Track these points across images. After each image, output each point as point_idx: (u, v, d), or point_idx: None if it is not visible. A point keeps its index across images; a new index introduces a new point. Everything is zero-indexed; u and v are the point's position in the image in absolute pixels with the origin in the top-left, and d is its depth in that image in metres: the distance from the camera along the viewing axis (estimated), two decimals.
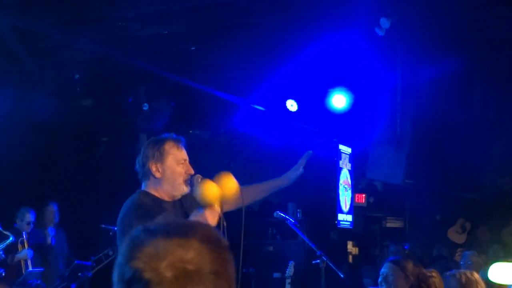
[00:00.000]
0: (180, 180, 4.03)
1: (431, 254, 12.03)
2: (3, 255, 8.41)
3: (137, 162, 4.12)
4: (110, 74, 9.27)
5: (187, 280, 1.31)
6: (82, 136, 10.40)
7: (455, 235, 13.43)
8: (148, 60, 8.64)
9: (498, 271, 5.89)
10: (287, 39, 8.19)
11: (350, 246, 13.39)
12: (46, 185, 9.72)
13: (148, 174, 4.04)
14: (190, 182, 4.05)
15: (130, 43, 8.38)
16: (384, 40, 7.54)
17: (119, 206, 4.07)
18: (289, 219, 6.62)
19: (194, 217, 3.92)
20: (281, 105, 9.69)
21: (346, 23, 7.52)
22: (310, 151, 4.71)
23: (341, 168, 11.83)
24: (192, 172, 4.07)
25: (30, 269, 8.73)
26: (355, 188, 12.65)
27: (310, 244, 6.51)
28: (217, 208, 3.88)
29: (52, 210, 9.40)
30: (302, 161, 4.89)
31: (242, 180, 4.19)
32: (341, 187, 11.78)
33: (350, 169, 12.17)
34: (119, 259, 1.37)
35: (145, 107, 8.96)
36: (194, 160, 4.14)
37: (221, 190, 3.86)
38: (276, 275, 10.44)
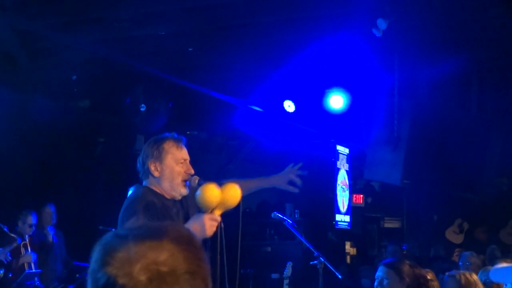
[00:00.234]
0: (179, 179, 4.02)
1: (429, 254, 12.04)
2: (9, 257, 8.43)
3: (137, 161, 4.13)
4: (107, 75, 9.26)
5: (161, 282, 1.30)
6: (80, 137, 10.39)
7: (453, 235, 13.45)
8: (145, 61, 8.63)
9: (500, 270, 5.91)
10: (284, 40, 8.19)
11: (348, 246, 13.41)
12: (44, 186, 9.71)
13: (147, 173, 4.05)
14: (187, 183, 4.05)
15: (127, 44, 8.38)
16: (381, 41, 7.54)
17: (116, 207, 4.07)
18: (287, 220, 6.61)
19: (192, 221, 3.92)
20: (279, 106, 9.69)
21: (343, 24, 7.52)
22: (301, 163, 4.66)
23: (338, 169, 11.84)
24: (192, 171, 4.07)
25: (27, 270, 8.72)
26: (353, 189, 12.67)
27: (308, 245, 6.50)
28: (217, 216, 3.87)
29: (49, 212, 9.39)
30: (290, 170, 4.82)
31: None
32: (338, 188, 11.79)
33: (347, 169, 12.18)
34: (92, 266, 1.36)
35: (143, 108, 8.95)
36: (191, 161, 4.14)
37: (225, 198, 3.86)
38: (274, 275, 10.45)
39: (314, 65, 8.51)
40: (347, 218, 12.11)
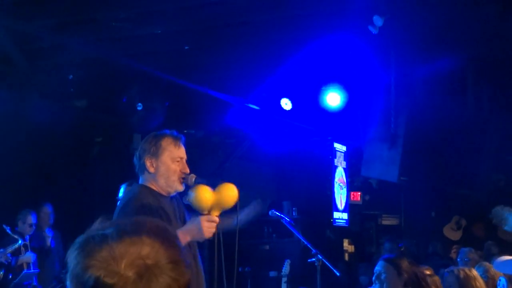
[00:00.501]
0: (174, 177, 4.02)
1: (427, 251, 12.06)
2: (10, 258, 8.43)
3: (135, 155, 4.13)
4: (103, 75, 9.25)
5: (150, 274, 1.31)
6: (76, 137, 10.38)
7: (451, 232, 13.47)
8: (141, 60, 8.63)
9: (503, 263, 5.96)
10: (281, 38, 8.19)
11: (346, 244, 13.41)
12: (41, 187, 9.69)
13: (143, 168, 4.04)
14: (184, 180, 4.04)
15: (123, 43, 8.37)
16: (377, 38, 7.55)
17: (114, 207, 4.07)
18: (285, 218, 6.61)
19: (189, 223, 3.92)
20: (276, 104, 9.69)
21: (339, 22, 7.52)
22: (259, 200, 4.58)
23: (336, 166, 11.84)
24: (188, 171, 4.06)
25: (25, 270, 8.72)
26: (351, 186, 12.67)
27: (305, 243, 6.50)
28: (215, 217, 3.87)
29: (47, 212, 9.39)
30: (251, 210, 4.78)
31: (237, 179, 4.18)
32: (336, 185, 11.79)
33: (345, 167, 12.19)
34: (75, 270, 1.35)
35: (139, 107, 8.94)
36: (188, 160, 4.13)
37: (221, 199, 3.86)
38: (272, 274, 10.44)
39: (310, 63, 8.51)
40: (345, 215, 12.11)
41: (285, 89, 9.56)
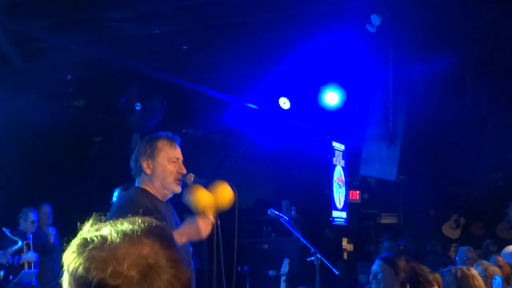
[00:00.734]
0: (171, 178, 4.02)
1: (426, 249, 12.06)
2: (11, 259, 8.44)
3: (131, 158, 4.13)
4: (102, 75, 9.25)
5: (154, 273, 1.32)
6: (75, 137, 10.39)
7: (450, 231, 13.48)
8: (140, 59, 8.63)
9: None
10: (279, 37, 8.19)
11: (345, 242, 13.41)
12: (39, 186, 9.70)
13: (139, 170, 4.04)
14: (182, 182, 4.04)
15: (121, 43, 8.37)
16: (375, 37, 7.55)
17: (110, 208, 4.07)
18: (283, 217, 6.61)
19: (185, 224, 3.91)
20: (274, 103, 9.68)
21: (337, 21, 7.52)
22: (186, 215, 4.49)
23: (334, 165, 11.85)
24: (184, 171, 4.06)
25: (24, 270, 8.72)
26: (349, 185, 12.67)
27: (304, 242, 6.50)
28: (211, 218, 3.87)
29: (46, 211, 9.40)
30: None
31: (236, 178, 4.18)
32: (335, 184, 11.79)
33: (343, 166, 12.19)
34: (76, 273, 1.35)
35: (138, 106, 8.94)
36: (187, 159, 4.13)
37: (216, 199, 3.86)
38: (271, 272, 10.45)
39: (309, 62, 8.51)
40: (343, 214, 12.11)
41: (284, 88, 9.56)
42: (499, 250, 8.32)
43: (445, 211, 13.51)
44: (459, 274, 5.28)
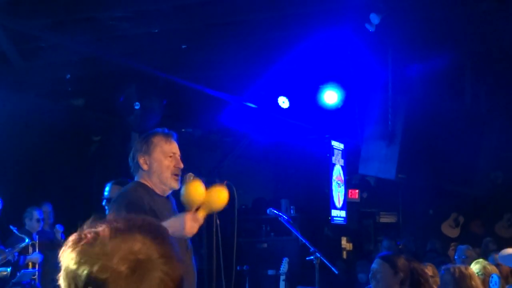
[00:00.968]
0: (168, 173, 4.03)
1: (425, 248, 12.07)
2: (16, 257, 8.45)
3: (129, 156, 4.16)
4: (101, 74, 9.25)
5: (143, 268, 1.33)
6: (74, 136, 10.38)
7: (449, 229, 13.49)
8: (139, 59, 8.62)
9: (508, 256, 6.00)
10: (278, 36, 8.19)
11: (344, 241, 13.42)
12: (39, 186, 9.69)
13: (137, 167, 4.07)
14: (181, 179, 4.04)
15: (120, 42, 8.37)
16: (374, 36, 7.55)
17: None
18: (282, 216, 6.61)
19: (173, 218, 3.83)
20: (273, 102, 9.68)
21: (336, 19, 7.52)
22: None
23: (334, 164, 11.85)
24: (181, 165, 4.07)
25: (24, 269, 8.72)
26: (348, 184, 12.68)
27: (304, 241, 6.50)
28: (200, 218, 3.79)
29: (46, 211, 9.40)
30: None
31: (235, 178, 4.18)
32: (334, 183, 11.80)
33: (343, 165, 12.19)
34: (68, 267, 1.36)
35: (137, 106, 8.94)
36: (186, 158, 4.14)
37: (209, 198, 3.82)
38: (271, 272, 10.45)
39: (308, 61, 8.51)
40: (343, 213, 12.12)
41: (283, 87, 9.56)
42: (498, 249, 8.33)
43: (444, 209, 13.53)
44: (457, 274, 5.27)
